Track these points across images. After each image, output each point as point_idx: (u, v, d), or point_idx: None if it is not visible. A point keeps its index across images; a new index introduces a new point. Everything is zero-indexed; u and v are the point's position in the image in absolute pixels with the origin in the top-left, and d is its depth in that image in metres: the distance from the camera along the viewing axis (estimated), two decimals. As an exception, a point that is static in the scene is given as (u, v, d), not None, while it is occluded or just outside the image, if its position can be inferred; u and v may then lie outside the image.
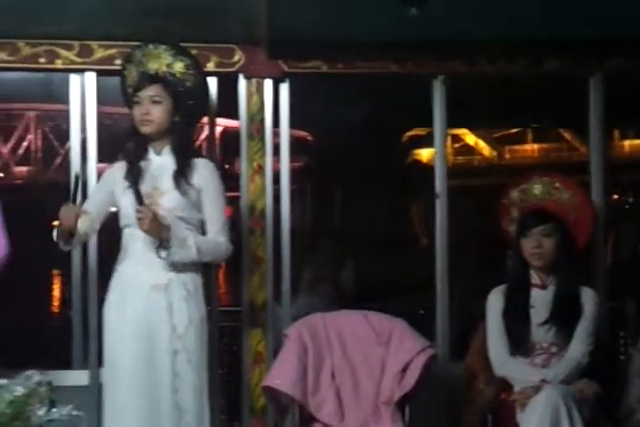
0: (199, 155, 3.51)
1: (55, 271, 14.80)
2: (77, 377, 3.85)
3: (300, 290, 4.90)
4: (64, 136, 13.93)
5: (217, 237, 3.31)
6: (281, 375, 3.49)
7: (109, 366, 3.26)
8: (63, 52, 3.89)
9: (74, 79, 3.97)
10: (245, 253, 4.02)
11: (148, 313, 3.20)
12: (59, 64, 3.89)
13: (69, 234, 3.17)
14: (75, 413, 1.88)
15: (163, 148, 3.32)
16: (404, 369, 3.51)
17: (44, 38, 3.84)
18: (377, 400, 3.54)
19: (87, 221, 3.25)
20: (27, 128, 13.85)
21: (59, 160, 14.65)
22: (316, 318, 3.72)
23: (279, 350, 3.66)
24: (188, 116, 3.40)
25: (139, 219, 3.14)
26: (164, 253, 3.19)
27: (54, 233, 3.22)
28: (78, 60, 3.90)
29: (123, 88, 3.56)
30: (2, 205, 3.30)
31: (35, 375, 1.91)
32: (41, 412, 1.82)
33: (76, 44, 3.88)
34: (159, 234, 3.16)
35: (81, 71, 3.94)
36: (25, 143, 13.94)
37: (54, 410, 1.85)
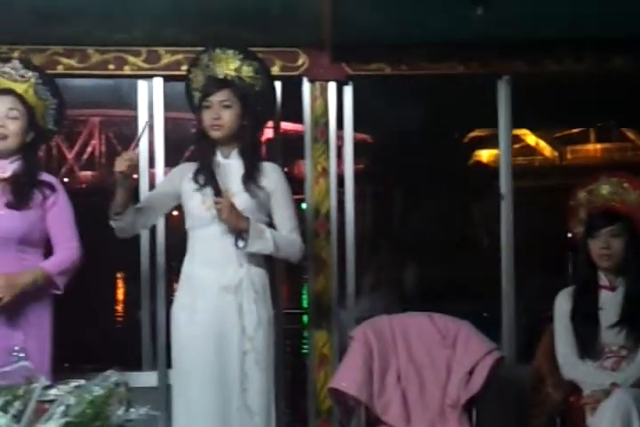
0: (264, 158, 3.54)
1: (119, 274, 15.05)
2: (146, 378, 3.90)
3: (362, 292, 4.91)
4: (127, 141, 14.22)
5: (291, 236, 3.34)
6: (347, 378, 3.50)
7: (179, 368, 3.29)
8: (131, 59, 3.95)
9: (141, 85, 4.05)
10: (310, 255, 4.04)
11: (217, 314, 3.23)
12: (127, 70, 3.96)
13: (125, 201, 3.17)
14: (151, 413, 1.90)
15: (230, 151, 3.36)
16: (471, 372, 3.49)
17: (112, 45, 3.91)
18: (443, 403, 3.52)
19: (147, 199, 3.32)
20: (91, 134, 14.12)
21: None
22: (381, 319, 3.72)
23: (344, 352, 3.67)
24: (256, 120, 3.44)
25: (217, 210, 3.17)
26: (241, 244, 3.22)
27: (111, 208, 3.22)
28: (146, 66, 3.96)
29: (188, 92, 3.60)
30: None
31: (112, 376, 1.95)
32: (119, 412, 1.85)
33: (143, 50, 3.94)
34: (237, 224, 3.18)
35: (149, 77, 4.00)
36: (89, 148, 14.20)
37: (132, 410, 1.89)
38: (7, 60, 3.34)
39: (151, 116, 4.01)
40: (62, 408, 1.76)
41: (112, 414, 1.80)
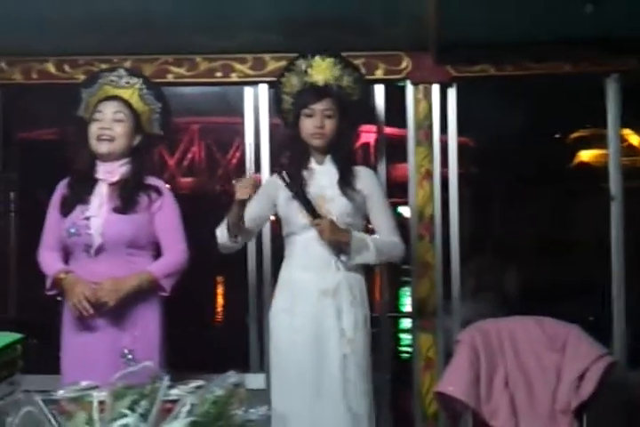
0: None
1: (219, 278, 15.23)
2: (254, 380, 3.94)
3: (466, 296, 4.86)
4: (226, 148, 14.38)
5: (391, 238, 3.34)
6: (454, 382, 3.46)
7: (279, 371, 3.32)
8: (238, 66, 4.02)
9: (247, 92, 4.11)
10: (414, 258, 4.03)
11: (316, 318, 3.25)
12: (234, 77, 4.02)
13: (240, 222, 3.21)
14: (270, 414, 1.93)
15: (324, 157, 3.38)
16: (581, 377, 3.41)
17: (220, 53, 3.99)
18: (553, 408, 3.45)
19: (251, 216, 3.30)
20: (191, 140, 14.33)
21: (220, 171, 15.03)
22: (488, 323, 3.67)
23: (450, 356, 3.64)
24: (352, 128, 3.46)
25: (319, 231, 3.19)
26: (344, 257, 3.24)
27: (221, 226, 3.28)
28: (252, 72, 4.02)
29: (277, 95, 3.61)
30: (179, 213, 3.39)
31: (232, 377, 1.98)
32: (240, 412, 1.88)
33: (249, 57, 4.01)
34: (340, 240, 3.22)
35: (254, 84, 4.07)
36: (189, 155, 14.41)
37: (252, 411, 1.91)
38: (113, 69, 3.44)
39: (257, 133, 4.06)
40: (187, 408, 1.80)
41: (234, 415, 1.83)
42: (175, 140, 14.01)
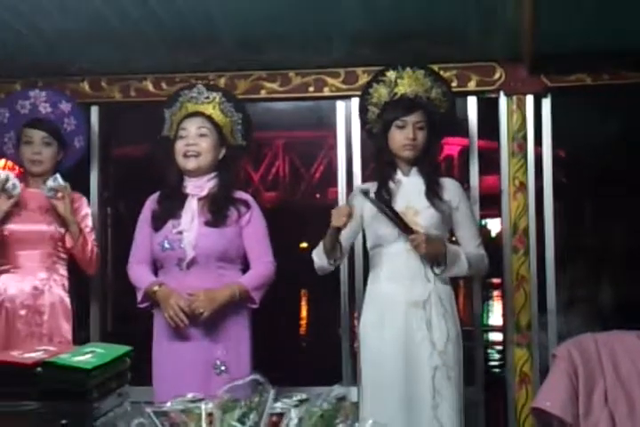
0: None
1: (303, 291, 15.31)
2: (342, 392, 3.92)
3: (560, 309, 4.77)
4: (309, 162, 14.45)
5: (478, 251, 3.32)
6: (551, 397, 3.39)
7: (370, 383, 3.29)
8: (330, 80, 4.05)
9: (340, 106, 4.14)
10: (508, 271, 3.98)
11: (406, 330, 3.22)
12: (326, 92, 4.06)
13: (337, 246, 3.24)
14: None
15: (410, 169, 3.36)
16: (687, 394, 3.31)
17: (312, 68, 4.03)
18: (656, 426, 3.35)
19: (347, 237, 3.32)
20: (275, 155, 14.48)
21: (304, 185, 15.15)
22: (586, 337, 3.58)
23: (546, 371, 3.57)
24: (437, 139, 3.45)
25: (415, 246, 3.18)
26: (438, 270, 3.23)
27: (317, 250, 3.30)
28: (344, 86, 4.05)
29: (362, 106, 3.59)
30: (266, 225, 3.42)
31: (335, 390, 1.98)
32: (346, 426, 1.88)
33: (341, 71, 4.04)
34: (437, 253, 3.21)
35: (347, 98, 4.09)
36: (273, 169, 14.55)
37: (357, 425, 1.91)
38: (192, 86, 3.50)
39: (349, 147, 4.09)
40: (295, 422, 1.81)
41: (341, 428, 1.83)
42: (260, 155, 14.21)
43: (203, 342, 3.20)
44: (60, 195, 3.58)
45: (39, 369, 1.83)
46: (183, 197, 3.31)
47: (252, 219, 3.33)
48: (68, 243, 3.62)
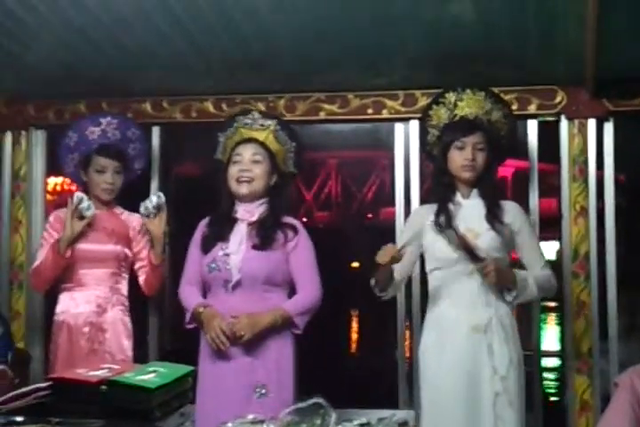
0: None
1: (353, 312, 15.26)
2: (404, 417, 3.89)
3: (621, 336, 4.69)
4: (362, 182, 14.46)
5: (545, 272, 3.28)
6: (613, 426, 3.32)
7: (430, 408, 3.25)
8: (389, 102, 4.06)
9: (398, 128, 4.13)
10: (568, 297, 3.92)
11: (467, 354, 3.18)
12: (385, 114, 4.07)
13: (386, 279, 3.24)
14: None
15: (470, 191, 3.34)
16: None
17: (371, 90, 4.03)
18: None
19: (403, 269, 3.31)
20: (328, 175, 14.54)
21: (356, 205, 15.18)
22: (648, 366, 3.51)
23: (607, 400, 3.49)
24: (497, 161, 3.42)
25: (485, 274, 3.15)
26: (509, 297, 3.20)
27: (372, 280, 3.30)
28: (403, 109, 4.05)
29: (423, 128, 3.57)
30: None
31: (397, 415, 1.97)
32: (407, 450, 1.86)
33: (400, 93, 4.04)
34: (506, 281, 3.17)
35: (405, 120, 4.09)
36: (326, 189, 14.61)
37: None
38: (247, 112, 3.50)
39: (407, 169, 4.08)
40: (357, 445, 1.80)
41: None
42: (313, 175, 14.30)
43: (244, 365, 3.19)
44: (156, 212, 3.69)
45: (104, 387, 1.84)
46: (233, 222, 3.33)
47: (300, 244, 3.32)
48: (154, 261, 3.71)
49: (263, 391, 3.15)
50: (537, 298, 3.27)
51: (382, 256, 3.13)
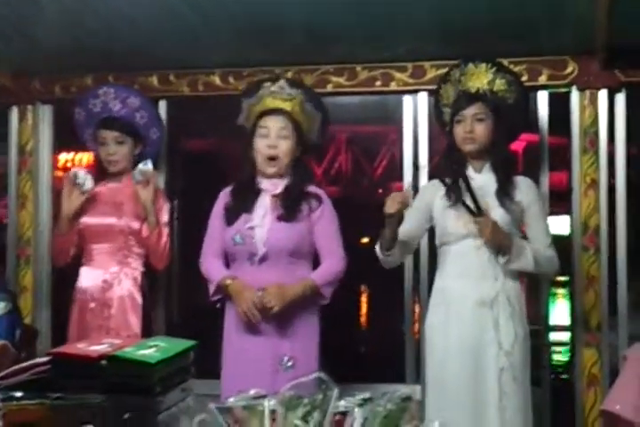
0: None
1: (363, 287, 15.27)
2: (407, 391, 3.88)
3: (632, 310, 4.66)
4: (372, 157, 14.38)
5: (548, 251, 3.25)
6: (621, 400, 3.31)
7: (435, 383, 3.26)
8: (397, 75, 4.00)
9: (407, 100, 4.08)
10: (577, 271, 3.89)
11: (473, 329, 3.18)
12: (393, 86, 4.01)
13: (391, 236, 3.19)
14: (441, 427, 1.87)
15: (482, 165, 3.30)
16: None
17: (379, 62, 3.98)
18: None
19: (407, 229, 3.27)
20: (338, 149, 14.44)
21: (366, 180, 15.08)
22: (658, 339, 3.50)
23: (615, 373, 3.48)
24: (508, 134, 3.36)
25: (479, 229, 3.13)
26: (502, 260, 3.16)
27: (377, 243, 3.27)
28: (411, 81, 3.99)
29: (436, 107, 3.57)
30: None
31: (400, 390, 1.94)
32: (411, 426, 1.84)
33: (409, 65, 3.98)
34: (501, 242, 3.14)
35: (414, 92, 4.04)
36: (336, 164, 14.52)
37: (422, 426, 1.87)
38: (275, 79, 3.44)
39: (416, 142, 4.04)
40: (360, 421, 1.78)
41: (406, 429, 1.79)
42: (323, 149, 14.22)
43: (270, 338, 3.19)
44: (143, 180, 3.61)
45: (104, 362, 1.83)
46: (257, 192, 3.30)
47: (324, 214, 3.29)
48: (144, 233, 3.63)
49: (290, 364, 3.15)
50: (534, 270, 3.22)
51: (391, 205, 3.07)
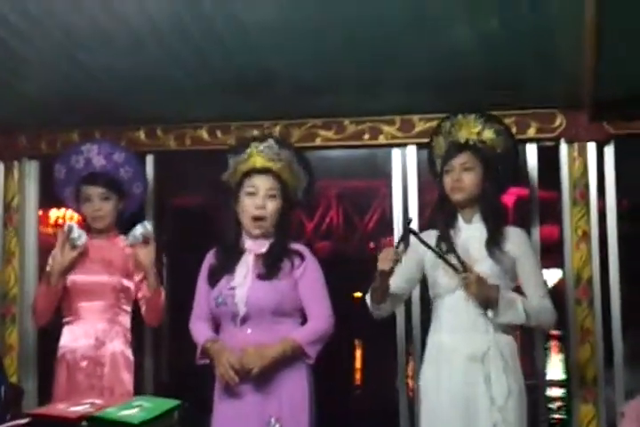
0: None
1: (357, 342, 15.15)
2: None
3: (628, 364, 4.59)
4: (363, 211, 14.40)
5: (543, 302, 3.19)
6: (620, 458, 3.23)
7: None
8: (386, 128, 4.01)
9: (395, 153, 4.08)
10: (572, 324, 3.85)
11: (465, 384, 3.11)
12: (381, 139, 4.02)
13: (383, 290, 3.17)
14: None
15: (472, 216, 3.28)
16: None
17: (367, 115, 3.99)
18: None
19: (399, 282, 3.25)
20: (329, 205, 14.49)
21: (357, 235, 15.12)
22: (656, 395, 3.42)
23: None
24: (498, 183, 3.35)
25: (465, 284, 3.10)
26: (491, 313, 3.11)
27: (368, 295, 3.26)
28: (400, 134, 4.00)
29: (430, 159, 3.57)
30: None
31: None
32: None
33: (397, 118, 3.99)
34: (487, 296, 3.10)
35: (403, 145, 4.04)
36: (327, 219, 14.56)
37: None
38: (263, 139, 3.39)
39: (405, 195, 4.03)
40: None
41: None
42: (314, 205, 14.26)
43: (256, 399, 3.10)
44: (141, 241, 3.56)
45: (84, 424, 1.77)
46: (240, 252, 3.25)
47: (307, 271, 3.23)
48: (145, 293, 3.60)
49: (277, 426, 3.07)
50: (527, 323, 3.15)
51: (385, 262, 3.06)
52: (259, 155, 3.30)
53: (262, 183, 3.23)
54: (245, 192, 3.24)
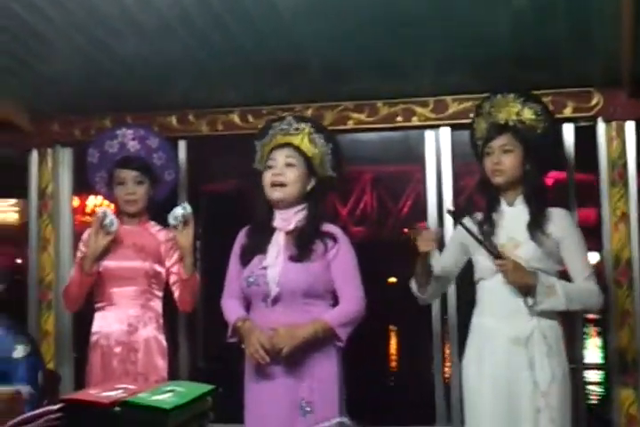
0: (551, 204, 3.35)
1: (392, 327, 15.13)
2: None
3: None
4: (397, 196, 14.33)
5: (587, 285, 3.12)
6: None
7: (470, 423, 3.13)
8: (419, 109, 3.96)
9: (429, 135, 4.03)
10: (611, 307, 3.78)
11: (507, 368, 3.06)
12: (415, 121, 3.97)
13: (426, 272, 3.15)
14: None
15: (515, 198, 3.22)
16: None
17: (400, 97, 3.94)
18: None
19: (443, 264, 3.22)
20: (363, 190, 14.43)
21: (392, 220, 15.05)
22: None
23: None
24: (540, 165, 3.28)
25: (502, 271, 3.05)
26: (531, 301, 3.06)
27: (412, 280, 3.23)
28: (433, 116, 3.95)
29: (472, 141, 3.50)
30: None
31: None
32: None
33: (431, 100, 3.94)
34: (525, 283, 3.05)
35: (436, 127, 3.99)
36: (361, 205, 14.50)
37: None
38: (282, 118, 3.39)
39: (439, 177, 3.97)
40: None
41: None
42: (348, 190, 14.22)
43: (287, 382, 3.07)
44: (180, 223, 3.54)
45: (117, 409, 1.75)
46: (271, 231, 3.22)
47: (340, 253, 3.19)
48: (183, 275, 3.58)
49: (308, 409, 3.04)
50: (569, 309, 3.08)
51: (425, 244, 3.04)
52: (280, 133, 3.30)
53: (279, 155, 3.22)
54: (266, 167, 3.23)
